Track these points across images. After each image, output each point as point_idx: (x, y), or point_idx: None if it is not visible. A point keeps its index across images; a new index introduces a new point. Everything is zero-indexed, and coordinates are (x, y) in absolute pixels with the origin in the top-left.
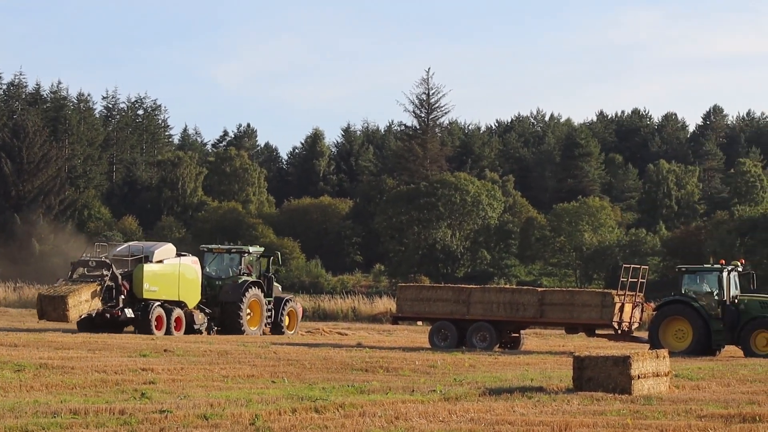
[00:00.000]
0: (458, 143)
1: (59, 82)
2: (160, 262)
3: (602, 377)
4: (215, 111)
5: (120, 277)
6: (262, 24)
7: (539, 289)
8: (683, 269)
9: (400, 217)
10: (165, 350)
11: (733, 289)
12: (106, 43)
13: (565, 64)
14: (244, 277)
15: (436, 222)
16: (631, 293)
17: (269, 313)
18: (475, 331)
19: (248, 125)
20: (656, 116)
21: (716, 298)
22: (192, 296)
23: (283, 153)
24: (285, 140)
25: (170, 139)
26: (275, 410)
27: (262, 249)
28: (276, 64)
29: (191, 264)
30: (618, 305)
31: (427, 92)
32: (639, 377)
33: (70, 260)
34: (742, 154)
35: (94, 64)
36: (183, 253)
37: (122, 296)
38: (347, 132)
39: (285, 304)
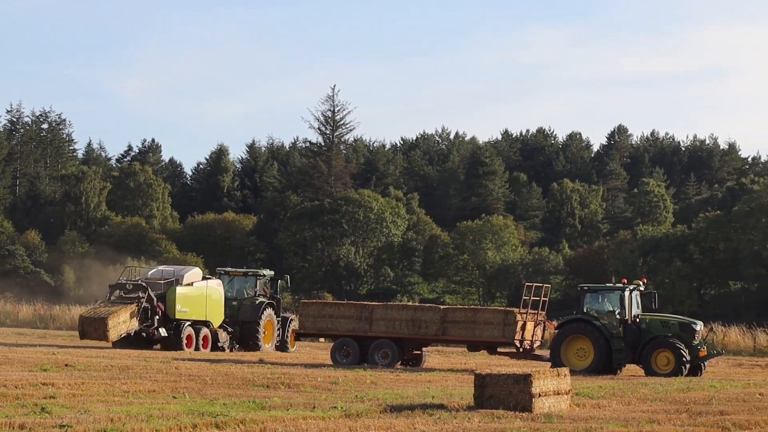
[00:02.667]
0: (363, 160)
1: None
2: (190, 284)
3: (503, 395)
4: (120, 126)
5: (155, 299)
6: (167, 39)
7: (442, 306)
8: (585, 288)
9: (304, 234)
10: (66, 365)
11: (634, 308)
12: (11, 56)
13: (470, 83)
14: (261, 298)
15: (339, 239)
16: (534, 311)
17: (278, 332)
18: (377, 348)
19: (153, 140)
20: (561, 135)
21: (618, 317)
22: (217, 316)
23: (188, 168)
24: (189, 156)
25: (74, 154)
26: (176, 426)
27: (273, 272)
28: (181, 80)
29: (216, 286)
30: (520, 323)
31: (332, 109)
32: (540, 395)
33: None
34: (645, 174)
35: None
36: (208, 276)
37: (157, 316)
38: (252, 148)
39: (289, 323)
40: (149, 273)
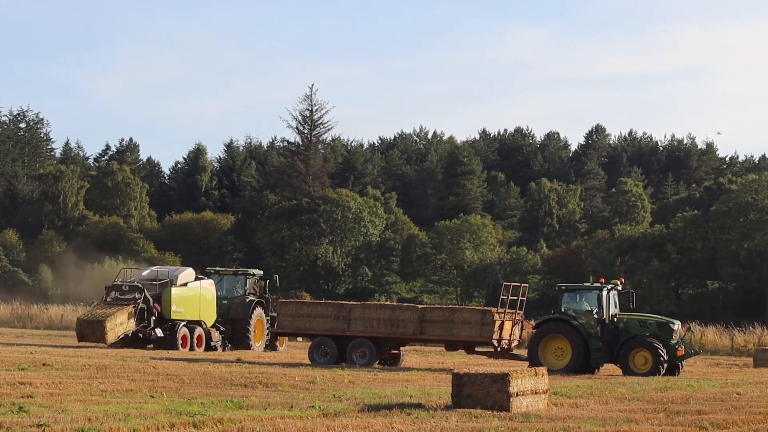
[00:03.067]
0: (341, 160)
1: None
2: (184, 285)
3: (481, 394)
4: (97, 125)
5: (151, 299)
6: (145, 38)
7: (419, 306)
8: (563, 288)
9: (282, 233)
10: (44, 364)
11: (612, 307)
12: None
13: (448, 82)
14: (251, 297)
15: (317, 238)
16: (511, 311)
17: (268, 331)
18: (355, 348)
19: (131, 139)
20: (539, 135)
21: (595, 316)
22: (210, 316)
23: (166, 168)
24: (167, 155)
25: (52, 153)
26: (153, 425)
27: (262, 272)
28: (159, 79)
29: (209, 286)
30: (498, 323)
31: (310, 108)
32: (517, 395)
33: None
34: (623, 173)
35: None
36: (201, 276)
37: (153, 317)
38: (230, 147)
39: None
40: (144, 274)
